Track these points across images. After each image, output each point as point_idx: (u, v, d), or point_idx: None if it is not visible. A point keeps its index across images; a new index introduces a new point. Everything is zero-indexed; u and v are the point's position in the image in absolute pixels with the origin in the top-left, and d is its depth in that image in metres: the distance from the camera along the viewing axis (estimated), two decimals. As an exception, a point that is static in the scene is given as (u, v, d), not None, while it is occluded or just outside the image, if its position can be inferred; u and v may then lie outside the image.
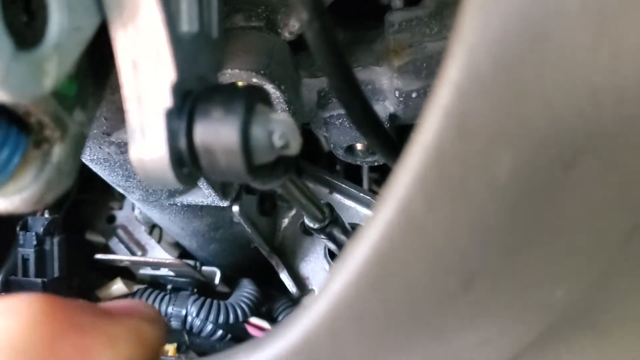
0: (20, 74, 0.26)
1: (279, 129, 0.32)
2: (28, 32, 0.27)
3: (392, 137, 0.49)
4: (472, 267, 0.31)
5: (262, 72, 0.53)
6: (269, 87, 0.54)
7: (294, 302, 0.83)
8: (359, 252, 0.28)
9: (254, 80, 0.53)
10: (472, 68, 0.25)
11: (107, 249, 0.92)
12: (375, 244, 0.28)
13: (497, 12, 0.24)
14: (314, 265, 0.82)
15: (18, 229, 0.76)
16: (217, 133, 0.31)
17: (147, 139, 0.32)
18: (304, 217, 0.63)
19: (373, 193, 1.04)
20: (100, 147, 0.57)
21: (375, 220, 0.28)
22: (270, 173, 0.35)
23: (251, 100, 0.31)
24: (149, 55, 0.31)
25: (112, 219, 0.93)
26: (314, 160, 0.90)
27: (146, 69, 0.31)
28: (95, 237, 0.93)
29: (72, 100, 0.33)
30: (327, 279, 0.30)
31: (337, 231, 0.65)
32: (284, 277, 0.80)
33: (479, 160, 0.27)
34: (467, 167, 0.27)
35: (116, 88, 0.38)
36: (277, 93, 0.55)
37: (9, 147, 0.30)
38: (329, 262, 0.79)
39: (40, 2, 0.28)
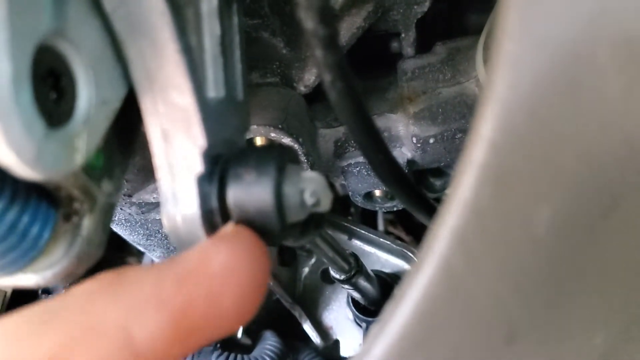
0: (52, 152, 0.26)
1: (309, 187, 0.31)
2: (58, 109, 0.27)
3: (417, 187, 0.49)
4: (515, 322, 0.30)
5: (279, 126, 0.53)
6: (287, 141, 0.54)
7: (318, 352, 0.81)
8: (400, 312, 0.28)
9: (272, 134, 0.53)
10: (506, 124, 0.25)
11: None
12: (417, 303, 0.27)
13: (528, 66, 0.24)
14: (337, 314, 0.81)
15: (40, 292, 0.76)
16: (251, 195, 0.31)
17: (180, 205, 0.32)
18: (330, 269, 0.62)
19: (389, 234, 1.03)
20: (121, 208, 0.57)
21: (416, 278, 0.27)
22: (302, 231, 0.34)
23: (282, 161, 0.31)
24: (179, 124, 0.31)
25: (131, 276, 0.92)
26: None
27: (176, 137, 0.31)
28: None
29: (100, 171, 0.33)
30: (368, 342, 0.29)
31: (362, 279, 0.65)
32: (308, 327, 0.79)
33: (517, 215, 0.26)
34: (506, 222, 0.26)
35: (137, 151, 0.38)
36: (296, 146, 0.55)
37: (40, 223, 0.29)
38: (352, 311, 0.77)
39: (69, 79, 0.28)
